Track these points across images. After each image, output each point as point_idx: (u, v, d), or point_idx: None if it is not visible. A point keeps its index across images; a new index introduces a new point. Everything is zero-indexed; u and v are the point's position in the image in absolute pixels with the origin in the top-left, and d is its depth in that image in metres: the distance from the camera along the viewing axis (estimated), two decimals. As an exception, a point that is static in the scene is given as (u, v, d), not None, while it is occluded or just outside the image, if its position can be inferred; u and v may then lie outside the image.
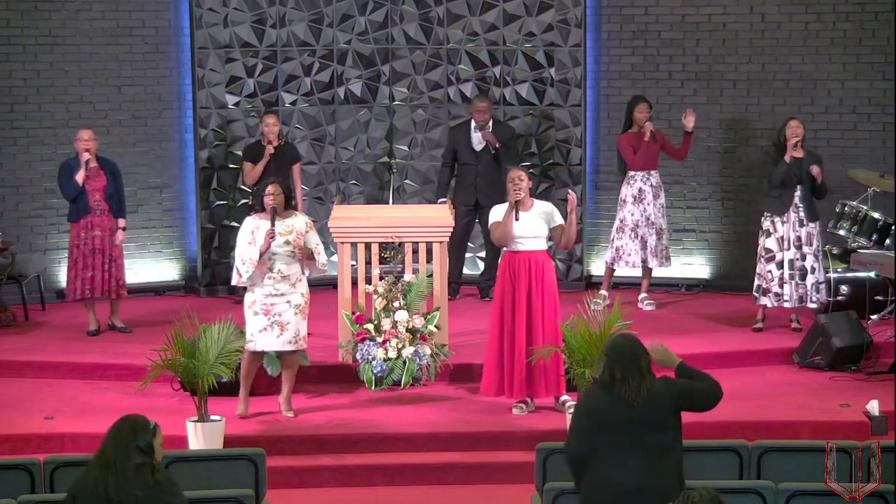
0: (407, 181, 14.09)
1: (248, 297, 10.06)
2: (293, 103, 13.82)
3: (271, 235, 9.83)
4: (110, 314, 12.13)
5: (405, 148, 14.13)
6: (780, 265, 11.72)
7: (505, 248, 10.14)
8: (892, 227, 11.89)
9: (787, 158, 11.61)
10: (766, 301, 11.84)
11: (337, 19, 13.86)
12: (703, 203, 13.70)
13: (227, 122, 13.60)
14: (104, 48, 13.37)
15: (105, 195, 11.93)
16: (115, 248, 11.97)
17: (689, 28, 13.55)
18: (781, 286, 11.72)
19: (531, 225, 9.98)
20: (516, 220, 9.92)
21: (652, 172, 12.71)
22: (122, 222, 12.01)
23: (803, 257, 11.70)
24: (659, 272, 13.20)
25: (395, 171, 13.55)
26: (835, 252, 12.16)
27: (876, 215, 11.96)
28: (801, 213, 11.69)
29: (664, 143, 12.78)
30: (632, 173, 12.70)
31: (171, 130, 13.66)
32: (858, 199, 12.13)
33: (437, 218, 11.33)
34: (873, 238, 11.92)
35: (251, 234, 9.94)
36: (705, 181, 13.68)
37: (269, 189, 9.96)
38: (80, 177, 11.82)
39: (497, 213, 10.10)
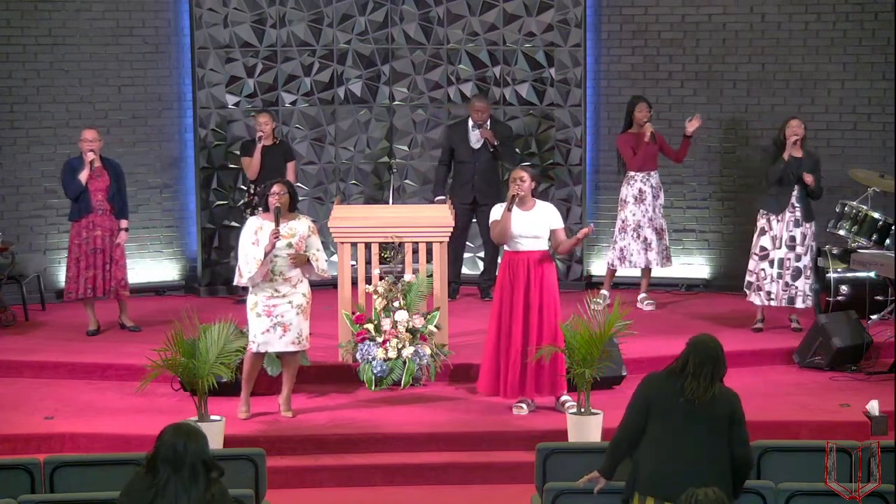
0: (407, 181, 14.08)
1: (249, 299, 10.03)
2: (293, 103, 13.81)
3: (276, 236, 9.77)
4: (119, 314, 12.15)
5: (405, 148, 14.13)
6: (773, 264, 11.74)
7: (505, 248, 10.13)
8: (892, 227, 11.88)
9: (785, 156, 11.60)
10: (755, 298, 11.86)
11: (337, 19, 13.86)
12: (703, 203, 13.70)
13: (227, 122, 13.59)
14: (104, 48, 13.37)
15: (108, 195, 11.91)
16: (117, 249, 11.95)
17: (689, 28, 13.55)
18: (773, 284, 11.74)
19: (531, 225, 9.96)
20: (508, 210, 9.87)
21: (651, 173, 12.71)
22: (123, 223, 12.00)
23: (797, 258, 11.71)
24: (659, 272, 13.17)
25: (395, 171, 13.55)
26: (835, 252, 12.15)
27: (876, 215, 11.95)
28: (798, 213, 11.69)
29: (663, 144, 12.77)
30: (632, 174, 12.69)
31: (171, 130, 13.66)
32: (858, 199, 12.12)
33: (437, 218, 11.32)
34: (873, 238, 11.91)
35: (255, 233, 9.90)
36: (705, 181, 13.67)
37: (275, 188, 9.90)
38: (83, 176, 11.80)
39: (497, 211, 10.07)
